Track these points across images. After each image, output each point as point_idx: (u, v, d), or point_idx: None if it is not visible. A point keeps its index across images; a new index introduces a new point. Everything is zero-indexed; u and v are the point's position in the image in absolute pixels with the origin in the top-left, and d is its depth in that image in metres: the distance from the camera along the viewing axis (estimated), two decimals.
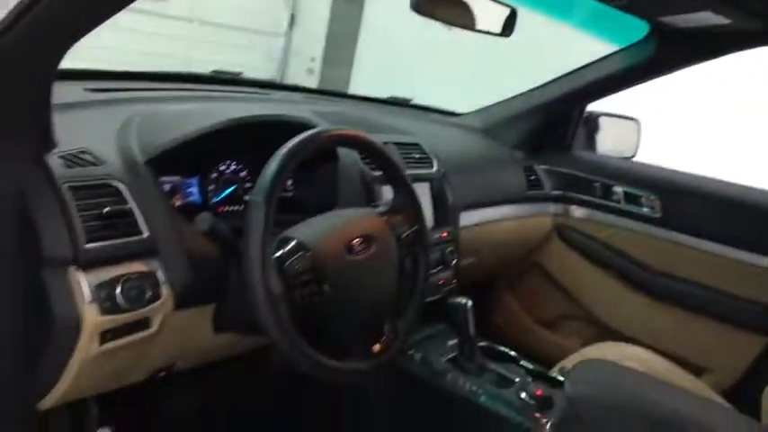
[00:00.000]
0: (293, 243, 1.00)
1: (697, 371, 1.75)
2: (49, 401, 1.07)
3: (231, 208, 1.28)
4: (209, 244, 1.03)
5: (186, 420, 1.57)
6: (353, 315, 1.03)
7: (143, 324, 1.01)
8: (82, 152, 1.03)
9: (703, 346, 1.86)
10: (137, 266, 0.99)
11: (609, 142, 2.24)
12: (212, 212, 1.22)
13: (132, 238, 1.00)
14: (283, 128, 1.26)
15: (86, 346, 0.95)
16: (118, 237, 0.98)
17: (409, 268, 1.16)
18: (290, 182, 1.37)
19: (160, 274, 1.01)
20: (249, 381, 1.67)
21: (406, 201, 1.17)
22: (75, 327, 0.94)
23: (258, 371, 1.63)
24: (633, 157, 2.22)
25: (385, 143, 1.32)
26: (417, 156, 1.61)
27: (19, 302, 0.98)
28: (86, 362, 0.98)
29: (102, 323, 0.94)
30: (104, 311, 0.94)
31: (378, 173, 1.44)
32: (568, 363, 1.48)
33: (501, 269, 2.21)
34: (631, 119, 2.26)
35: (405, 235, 1.14)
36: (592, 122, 2.27)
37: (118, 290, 0.95)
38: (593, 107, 2.20)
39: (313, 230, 1.03)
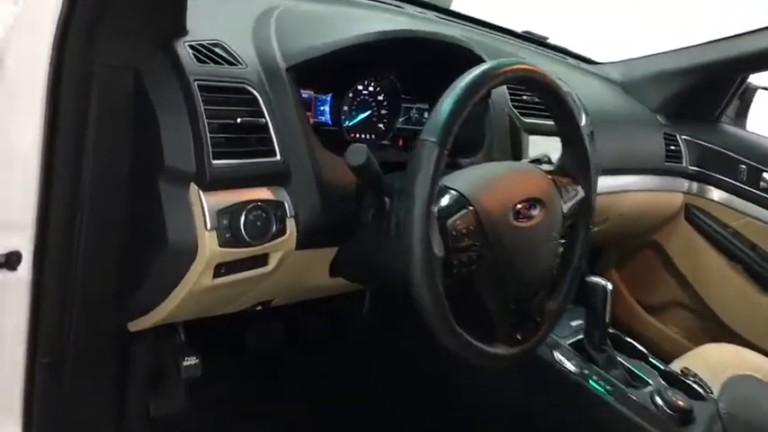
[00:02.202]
0: (454, 195, 0.81)
1: None
2: (139, 325, 0.95)
3: (362, 136, 1.10)
4: (347, 178, 0.86)
5: (273, 357, 1.45)
6: (507, 292, 0.85)
7: (260, 261, 0.86)
8: (215, 45, 0.85)
9: None
10: (264, 194, 0.83)
11: (764, 121, 1.95)
12: (343, 139, 1.06)
13: (263, 159, 0.83)
14: (440, 51, 1.05)
15: (196, 278, 0.81)
16: (248, 155, 0.81)
17: (567, 241, 0.97)
18: (415, 111, 1.17)
19: (288, 207, 0.85)
20: (339, 319, 1.54)
21: (579, 161, 0.96)
22: (188, 255, 0.79)
23: (351, 309, 1.49)
24: None
25: None
26: None
27: (128, 215, 0.84)
28: (191, 293, 0.84)
29: (219, 255, 0.79)
30: (224, 243, 0.78)
31: (530, 120, 1.23)
32: (687, 363, 1.29)
33: (615, 243, 1.99)
34: None
35: (571, 202, 0.94)
36: (748, 95, 1.97)
37: (242, 219, 0.79)
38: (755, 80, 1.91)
39: (472, 183, 0.84)
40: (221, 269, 0.82)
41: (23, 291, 0.83)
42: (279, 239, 0.84)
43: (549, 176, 0.94)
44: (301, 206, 0.86)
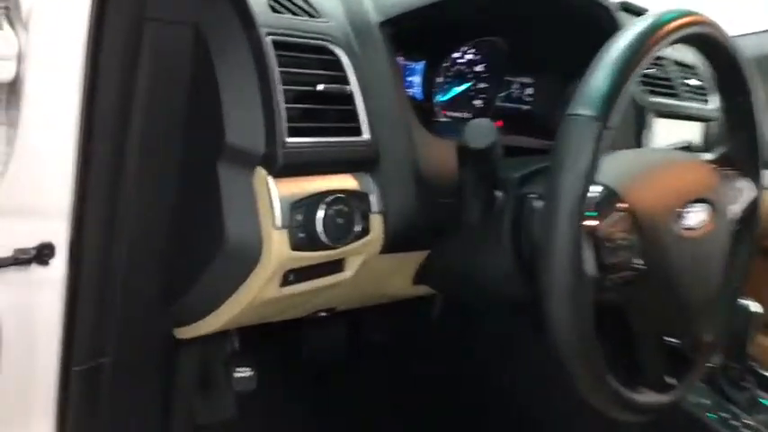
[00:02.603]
0: (601, 191, 0.61)
1: None
2: (187, 333, 0.79)
3: (456, 113, 0.91)
4: (449, 165, 0.67)
5: (331, 363, 1.29)
6: (664, 322, 0.66)
7: (335, 266, 0.69)
8: None
9: None
10: (347, 182, 0.65)
11: None
12: (433, 116, 0.87)
13: (347, 138, 0.65)
14: (563, 11, 0.85)
15: (260, 287, 0.64)
16: (328, 133, 0.64)
17: (731, 254, 0.75)
18: (516, 86, 0.97)
19: (374, 200, 0.67)
20: (404, 323, 1.37)
21: (749, 149, 0.74)
22: (251, 258, 0.62)
23: (416, 311, 1.31)
24: None
25: None
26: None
27: (180, 205, 0.67)
28: (251, 304, 0.67)
29: (289, 260, 0.62)
30: (297, 245, 0.61)
31: (658, 99, 1.01)
32: None
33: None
34: None
35: (741, 203, 0.72)
36: None
37: (320, 215, 0.61)
38: None
39: (623, 175, 0.63)
40: (290, 276, 0.65)
41: (57, 289, 0.69)
42: (361, 241, 0.67)
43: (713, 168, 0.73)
44: (391, 199, 0.68)
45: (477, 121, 0.60)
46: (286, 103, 0.60)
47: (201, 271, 0.69)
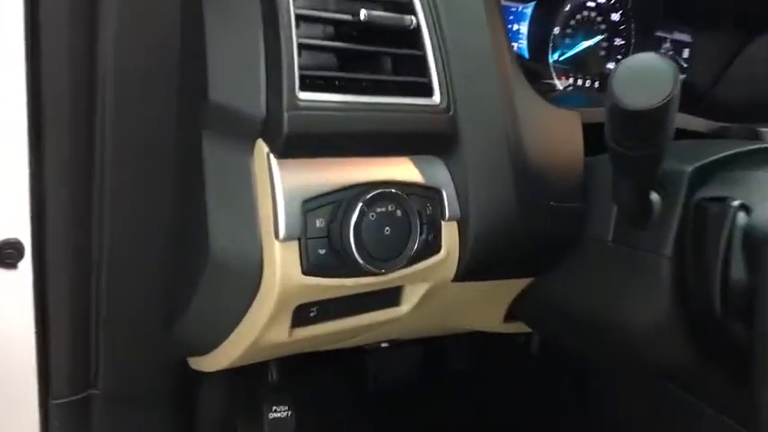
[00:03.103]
0: None
1: None
2: (206, 364, 0.59)
3: (579, 79, 0.64)
4: (573, 152, 0.42)
5: (398, 392, 1.05)
6: None
7: (388, 298, 0.45)
8: None
9: None
10: (402, 170, 0.41)
11: None
12: (544, 82, 0.61)
13: (407, 99, 0.41)
14: None
15: (264, 325, 0.41)
16: (374, 90, 0.40)
17: None
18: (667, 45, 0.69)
19: (448, 199, 0.42)
20: (494, 352, 1.11)
21: None
22: (249, 280, 0.41)
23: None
24: None
25: None
26: None
27: (167, 195, 0.46)
28: (257, 346, 0.45)
29: (303, 291, 0.39)
30: (314, 267, 0.38)
31: None
32: None
33: None
34: None
35: None
36: None
37: (352, 220, 0.37)
38: None
39: None
40: (309, 312, 0.42)
41: (28, 298, 0.51)
42: (425, 263, 0.42)
43: None
44: (476, 200, 0.43)
45: (637, 56, 0.34)
46: (300, 38, 0.37)
47: (193, 288, 0.47)
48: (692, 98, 0.67)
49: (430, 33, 0.42)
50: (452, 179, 0.43)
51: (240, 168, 0.38)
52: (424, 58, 0.42)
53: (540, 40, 0.60)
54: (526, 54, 0.60)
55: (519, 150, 0.44)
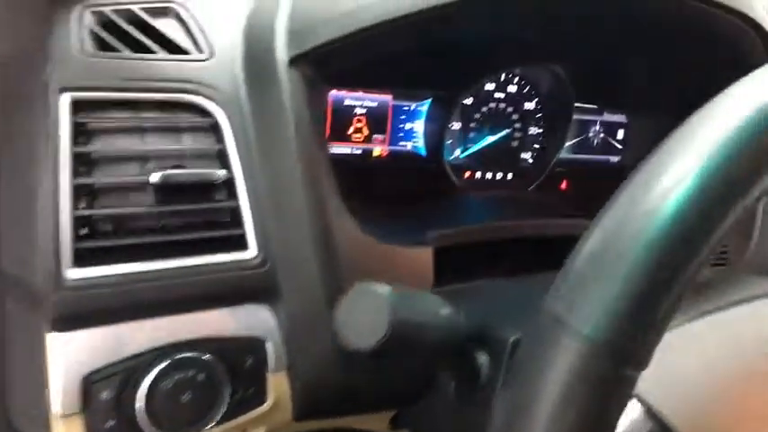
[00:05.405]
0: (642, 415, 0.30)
1: None
2: None
3: (487, 175, 0.61)
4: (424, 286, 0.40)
5: None
6: None
7: None
8: (160, 12, 0.43)
9: None
10: (214, 324, 0.39)
11: None
12: (445, 182, 0.58)
13: (221, 256, 0.39)
14: (664, 20, 0.51)
15: None
16: (178, 251, 0.38)
17: None
18: (597, 128, 0.64)
19: (276, 347, 0.40)
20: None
21: None
22: None
23: None
24: None
25: None
26: None
27: None
28: None
29: None
30: None
31: None
32: None
33: None
34: None
35: None
36: None
37: (141, 390, 0.36)
38: None
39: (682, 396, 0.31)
40: None
41: None
42: (249, 415, 0.41)
43: None
44: (304, 348, 0.41)
45: (358, 290, 0.31)
46: (78, 211, 0.36)
47: None
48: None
49: (243, 182, 0.40)
50: (279, 327, 0.41)
51: (33, 335, 0.38)
52: (237, 210, 0.40)
53: (437, 138, 0.56)
54: (423, 153, 0.57)
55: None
